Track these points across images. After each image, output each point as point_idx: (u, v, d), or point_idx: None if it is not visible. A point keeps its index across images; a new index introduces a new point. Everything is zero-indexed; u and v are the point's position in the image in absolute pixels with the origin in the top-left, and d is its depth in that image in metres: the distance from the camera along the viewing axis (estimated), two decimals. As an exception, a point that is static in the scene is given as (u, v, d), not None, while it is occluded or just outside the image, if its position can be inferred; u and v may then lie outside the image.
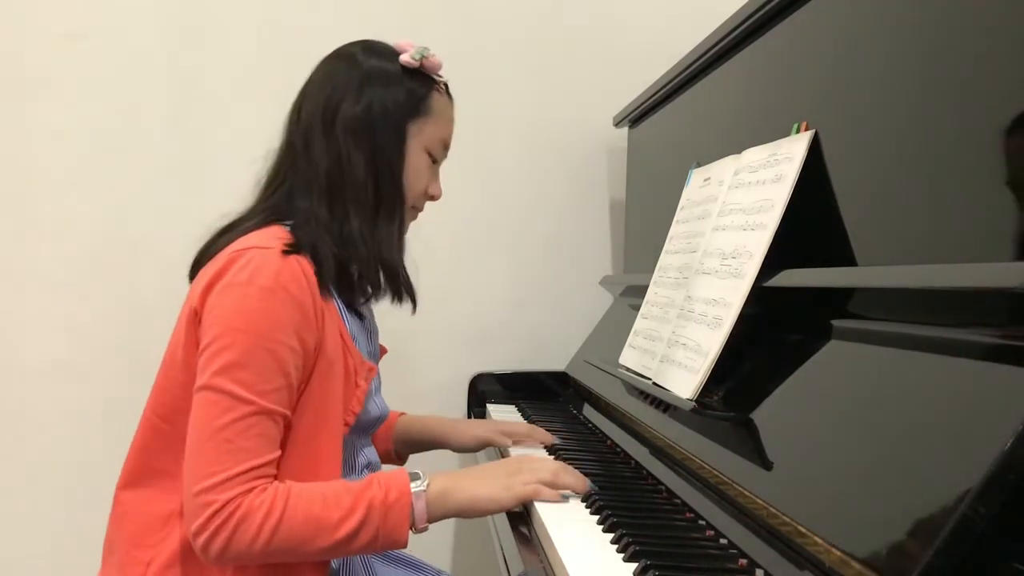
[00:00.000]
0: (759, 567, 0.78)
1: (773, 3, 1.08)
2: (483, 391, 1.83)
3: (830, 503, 0.71)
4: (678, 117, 1.54)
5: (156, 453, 1.01)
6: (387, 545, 0.95)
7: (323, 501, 0.92)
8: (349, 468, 1.10)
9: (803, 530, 0.71)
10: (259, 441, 0.92)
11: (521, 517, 1.05)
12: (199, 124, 1.82)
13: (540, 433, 1.33)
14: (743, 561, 0.80)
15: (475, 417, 1.77)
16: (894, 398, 0.72)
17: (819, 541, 0.68)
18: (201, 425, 0.92)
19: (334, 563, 1.08)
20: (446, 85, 1.15)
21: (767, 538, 0.78)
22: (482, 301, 1.92)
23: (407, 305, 1.14)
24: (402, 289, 1.11)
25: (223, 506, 0.89)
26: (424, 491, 0.96)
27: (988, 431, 0.58)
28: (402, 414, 1.38)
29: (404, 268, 1.10)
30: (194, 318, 0.98)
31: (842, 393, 0.80)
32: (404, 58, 1.09)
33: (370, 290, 1.09)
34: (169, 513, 0.99)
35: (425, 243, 1.88)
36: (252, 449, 0.92)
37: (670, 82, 1.49)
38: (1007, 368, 0.61)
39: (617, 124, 1.85)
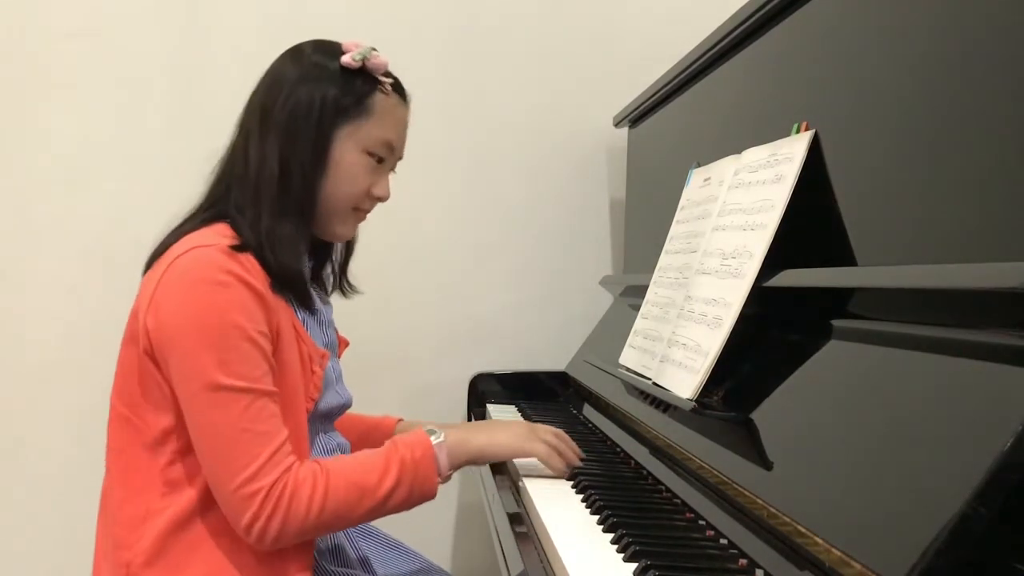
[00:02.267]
0: (759, 567, 0.78)
1: (773, 3, 1.08)
2: (483, 391, 1.83)
3: (830, 503, 0.71)
4: (678, 117, 1.54)
5: (126, 452, 1.01)
6: (420, 497, 1.02)
7: (358, 468, 0.99)
8: (320, 452, 1.12)
9: (803, 530, 0.71)
10: (273, 422, 0.96)
11: (521, 514, 1.05)
12: (199, 124, 1.82)
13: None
14: (743, 561, 0.80)
15: (475, 418, 1.77)
16: (894, 398, 0.72)
17: (819, 541, 0.68)
18: (214, 426, 0.94)
19: (322, 544, 1.10)
20: (394, 85, 1.11)
21: (767, 538, 0.78)
22: (482, 301, 1.92)
23: (308, 309, 1.11)
24: (296, 294, 1.07)
25: (270, 489, 0.93)
26: (444, 442, 1.04)
27: (988, 431, 0.58)
28: (399, 420, 1.38)
29: (301, 275, 1.06)
30: (138, 324, 1.00)
31: (842, 393, 0.80)
32: (344, 58, 1.06)
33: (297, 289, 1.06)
34: (145, 513, 0.99)
35: (426, 243, 1.91)
36: (270, 431, 0.95)
37: (670, 82, 1.49)
38: (1007, 368, 0.61)
39: (617, 124, 1.85)
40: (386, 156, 1.11)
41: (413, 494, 1.01)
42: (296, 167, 1.04)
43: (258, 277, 0.99)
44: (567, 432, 1.40)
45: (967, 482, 0.57)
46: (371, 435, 1.33)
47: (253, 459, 0.93)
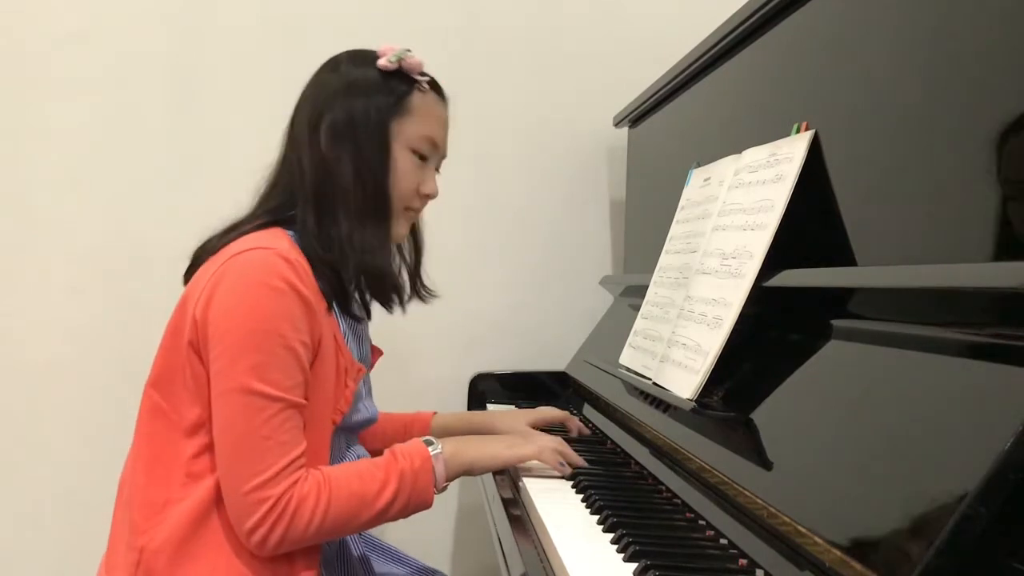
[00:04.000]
0: (759, 567, 0.78)
1: (773, 3, 1.08)
2: (483, 391, 1.83)
3: (830, 503, 0.71)
4: (678, 117, 1.54)
5: (155, 440, 1.02)
6: (416, 507, 1.04)
7: (359, 478, 1.00)
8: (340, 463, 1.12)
9: (803, 530, 0.71)
10: (294, 434, 0.98)
11: (521, 515, 1.05)
12: (199, 124, 1.82)
13: (574, 422, 1.42)
14: (743, 561, 0.80)
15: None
16: (894, 398, 0.72)
17: (819, 541, 0.68)
18: (238, 427, 0.95)
19: (328, 551, 1.11)
20: (431, 83, 1.14)
21: (767, 538, 0.78)
22: (482, 301, 1.92)
23: (400, 309, 1.18)
24: (390, 294, 1.13)
25: (277, 501, 0.95)
26: (441, 453, 1.06)
27: (988, 431, 0.58)
28: (434, 413, 1.40)
29: (391, 273, 1.12)
30: (186, 316, 1.01)
31: (842, 393, 0.80)
32: (381, 62, 1.10)
33: (360, 296, 1.12)
34: (165, 501, 1.00)
35: (426, 243, 1.90)
36: (289, 442, 0.97)
37: (670, 82, 1.49)
38: (1007, 368, 0.61)
39: (617, 124, 1.85)
40: (430, 154, 1.14)
41: (410, 504, 1.03)
42: (367, 171, 1.08)
43: (311, 287, 1.01)
44: (567, 432, 1.41)
45: (967, 482, 0.57)
46: (409, 432, 1.36)
47: (269, 467, 0.95)
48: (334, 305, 1.07)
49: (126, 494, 1.04)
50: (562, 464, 1.14)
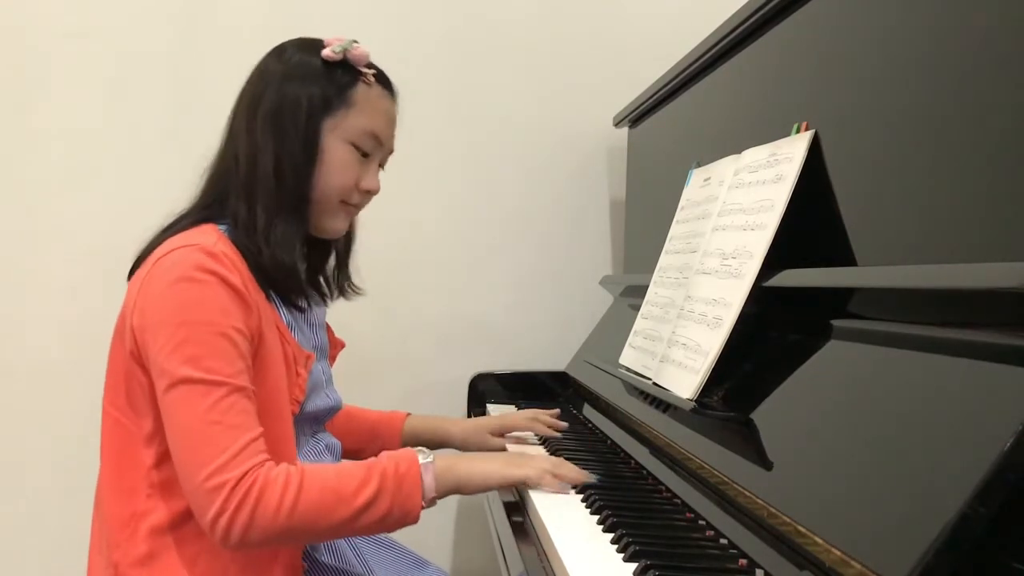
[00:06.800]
0: (759, 567, 0.78)
1: (773, 3, 1.08)
2: (483, 391, 1.83)
3: (830, 503, 0.71)
4: (678, 117, 1.54)
5: (116, 453, 1.01)
6: (400, 517, 0.97)
7: (337, 473, 0.95)
8: (308, 453, 1.11)
9: (803, 530, 0.71)
10: (244, 417, 0.93)
11: (521, 515, 1.05)
12: (199, 124, 1.81)
13: (544, 418, 1.37)
14: (743, 561, 0.80)
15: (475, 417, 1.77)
16: (894, 398, 0.72)
17: (819, 541, 0.68)
18: (184, 419, 0.92)
19: (322, 547, 1.09)
20: (378, 76, 1.10)
21: (767, 538, 0.78)
22: (482, 301, 1.92)
23: (304, 305, 1.12)
24: (291, 292, 1.07)
25: (238, 482, 0.90)
26: (431, 463, 1.00)
27: (988, 431, 0.58)
28: (408, 415, 1.38)
29: (295, 271, 1.06)
30: (125, 326, 1.00)
31: (842, 393, 0.80)
32: (325, 52, 1.07)
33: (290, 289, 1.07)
34: (132, 514, 0.99)
35: (426, 243, 1.91)
36: (241, 424, 0.92)
37: (670, 82, 1.49)
38: (1007, 368, 0.61)
39: (617, 124, 1.85)
40: (372, 149, 1.10)
41: (393, 510, 0.96)
42: (288, 164, 1.04)
43: (240, 275, 0.98)
44: (567, 432, 1.40)
45: (967, 482, 0.57)
46: (380, 430, 1.33)
47: (222, 451, 0.90)
48: (273, 295, 1.05)
49: (99, 509, 1.03)
50: (563, 486, 1.06)
